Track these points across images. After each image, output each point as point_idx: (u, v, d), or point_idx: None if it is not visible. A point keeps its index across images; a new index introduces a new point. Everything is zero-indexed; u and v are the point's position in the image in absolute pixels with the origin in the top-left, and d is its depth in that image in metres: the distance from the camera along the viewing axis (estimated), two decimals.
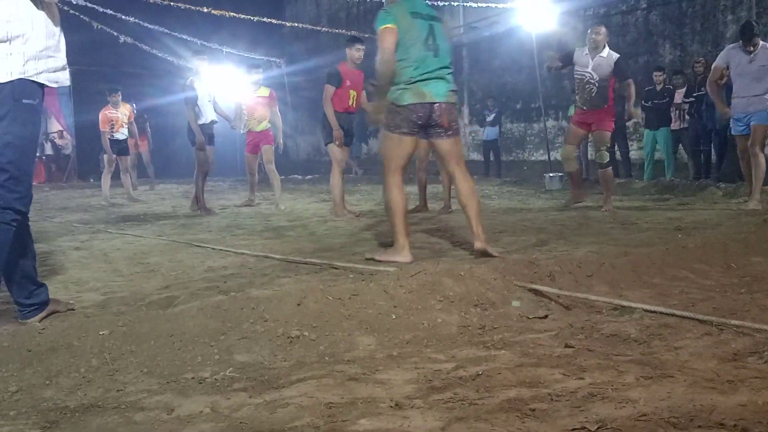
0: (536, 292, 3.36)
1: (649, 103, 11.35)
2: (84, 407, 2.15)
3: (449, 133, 4.53)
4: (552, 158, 14.59)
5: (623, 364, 2.32)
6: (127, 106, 11.32)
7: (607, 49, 7.09)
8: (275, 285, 3.78)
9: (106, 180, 11.13)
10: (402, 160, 4.50)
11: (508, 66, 16.93)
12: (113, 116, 11.01)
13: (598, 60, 7.02)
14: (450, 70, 4.58)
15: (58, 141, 19.78)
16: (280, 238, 6.05)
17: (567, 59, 7.33)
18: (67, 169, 19.00)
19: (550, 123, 15.91)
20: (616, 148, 12.47)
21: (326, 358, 2.58)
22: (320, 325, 2.84)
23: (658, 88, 11.26)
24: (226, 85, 11.55)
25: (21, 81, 2.94)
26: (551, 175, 11.39)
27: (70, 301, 3.50)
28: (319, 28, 19.94)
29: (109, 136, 10.94)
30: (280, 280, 3.95)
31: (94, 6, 13.64)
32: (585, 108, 7.15)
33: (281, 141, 9.60)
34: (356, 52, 7.46)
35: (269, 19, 17.08)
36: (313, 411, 2.02)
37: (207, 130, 8.67)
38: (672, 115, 11.12)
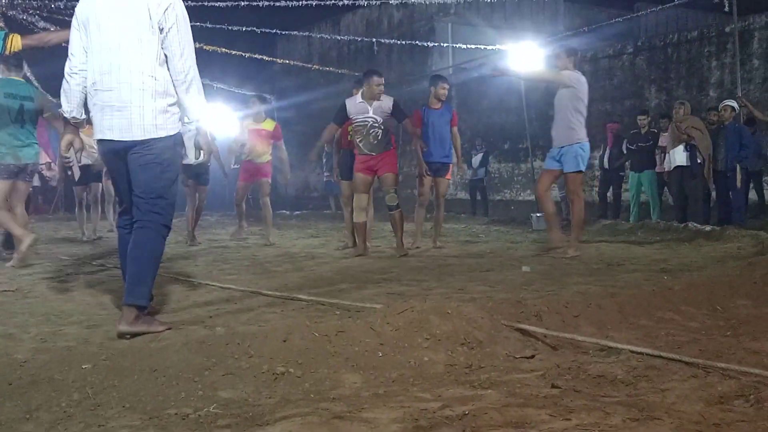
0: (523, 331, 3.36)
1: (634, 146, 11.47)
2: None
3: (29, 179, 6.71)
4: None
5: (610, 406, 2.32)
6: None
7: (383, 94, 7.21)
8: (261, 321, 3.75)
9: (80, 214, 10.30)
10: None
11: (496, 106, 17.13)
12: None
13: (377, 104, 7.09)
14: (35, 139, 6.66)
15: (45, 173, 19.61)
16: (268, 273, 6.02)
17: (341, 118, 7.29)
18: (54, 202, 18.90)
19: (538, 163, 16.02)
20: (610, 190, 12.56)
21: (311, 396, 2.55)
22: (306, 362, 2.82)
23: (643, 131, 11.39)
24: (218, 122, 11.42)
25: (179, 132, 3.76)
26: (538, 215, 11.41)
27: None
28: (309, 66, 20.12)
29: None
30: (267, 315, 3.92)
31: None
32: (373, 153, 7.14)
33: (289, 176, 9.48)
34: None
35: (261, 56, 17.24)
36: None
37: (186, 170, 8.62)
38: (657, 158, 11.23)
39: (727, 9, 11.28)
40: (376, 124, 7.09)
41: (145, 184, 3.65)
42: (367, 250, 7.33)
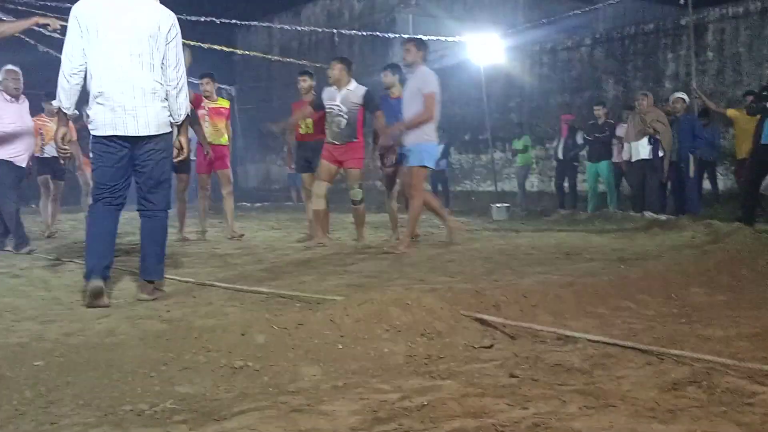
0: (482, 321, 3.38)
1: (591, 136, 11.59)
2: None
3: None
4: (499, 189, 14.80)
5: (567, 394, 2.34)
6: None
7: (354, 82, 7.16)
8: (220, 314, 3.72)
9: (45, 207, 9.62)
10: None
11: (457, 98, 17.17)
12: (44, 125, 9.02)
13: (345, 92, 7.05)
14: None
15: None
16: (227, 266, 5.97)
17: (319, 104, 7.24)
18: None
19: (498, 155, 16.16)
20: (566, 180, 12.70)
21: (270, 389, 2.54)
22: (265, 356, 2.80)
23: (600, 122, 11.52)
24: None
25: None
26: (498, 205, 11.53)
27: None
28: (270, 57, 19.95)
29: (38, 152, 8.97)
30: (225, 309, 3.89)
31: (40, 29, 13.38)
32: (336, 142, 7.09)
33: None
34: (299, 83, 8.02)
35: (220, 47, 17.03)
36: None
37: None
38: (615, 148, 11.37)
39: (682, 2, 11.46)
40: (341, 113, 7.04)
41: (159, 174, 4.30)
42: (326, 238, 7.29)
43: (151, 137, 4.21)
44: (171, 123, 4.36)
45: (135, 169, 4.29)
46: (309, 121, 7.70)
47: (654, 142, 9.80)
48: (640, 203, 10.16)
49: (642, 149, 9.93)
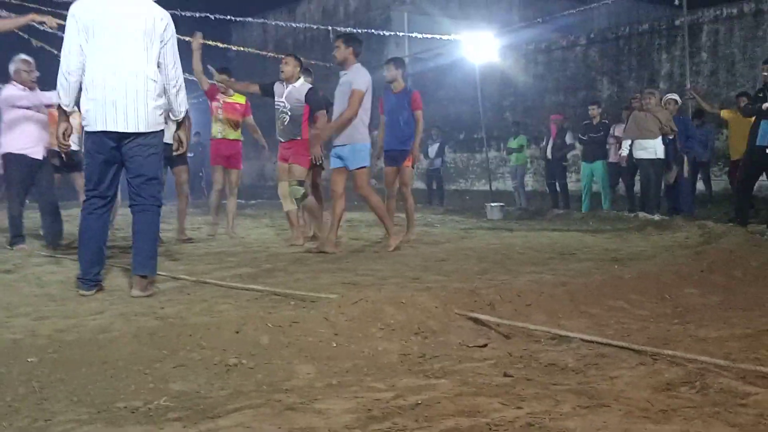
0: (476, 320, 3.39)
1: (586, 136, 11.56)
2: None
3: None
4: (494, 188, 14.81)
5: (560, 394, 2.35)
6: (79, 114, 9.21)
7: (302, 80, 7.06)
8: (214, 311, 3.71)
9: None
10: None
11: (452, 97, 17.19)
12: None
13: (290, 89, 6.95)
14: None
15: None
16: (221, 263, 5.96)
17: (268, 89, 7.18)
18: None
19: (492, 154, 16.17)
20: (555, 179, 12.71)
21: (264, 387, 2.54)
22: (259, 353, 2.80)
23: (595, 122, 11.48)
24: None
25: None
26: (492, 204, 11.52)
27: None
28: (264, 53, 19.90)
29: (54, 145, 8.00)
30: (220, 306, 3.88)
31: (36, 25, 13.31)
32: (281, 140, 7.03)
33: (265, 143, 8.69)
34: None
35: (215, 42, 16.97)
36: None
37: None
38: (612, 148, 11.31)
39: (677, 3, 11.47)
40: (285, 110, 6.95)
41: (149, 170, 4.32)
42: (301, 239, 7.22)
43: (140, 133, 4.27)
44: (164, 121, 4.45)
45: (124, 164, 4.35)
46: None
47: (669, 142, 9.61)
48: (650, 201, 9.77)
49: (659, 148, 9.59)
